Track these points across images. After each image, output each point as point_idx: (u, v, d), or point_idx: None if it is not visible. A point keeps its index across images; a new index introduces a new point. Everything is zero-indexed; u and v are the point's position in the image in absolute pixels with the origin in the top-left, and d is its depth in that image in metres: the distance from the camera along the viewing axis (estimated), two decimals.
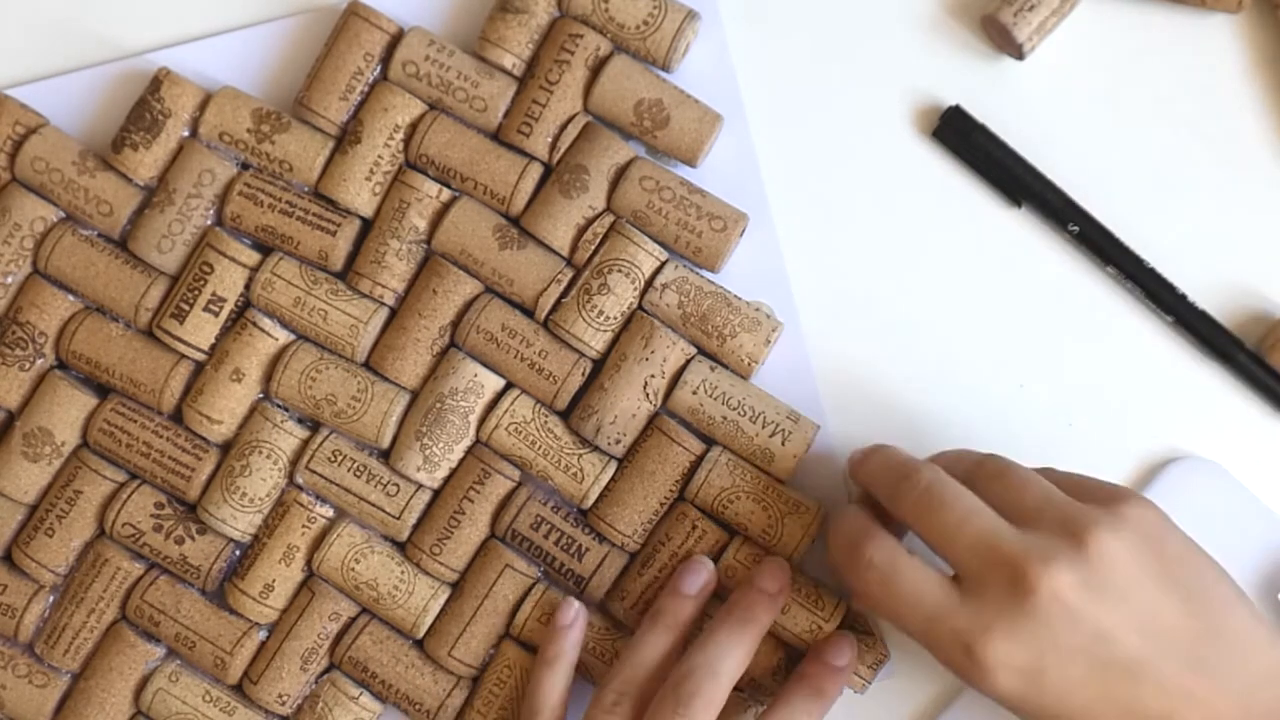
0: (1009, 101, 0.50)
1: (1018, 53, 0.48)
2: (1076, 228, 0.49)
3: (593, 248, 0.48)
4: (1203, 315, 0.49)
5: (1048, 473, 0.44)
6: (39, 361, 0.50)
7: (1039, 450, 0.49)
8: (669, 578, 0.47)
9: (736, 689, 0.47)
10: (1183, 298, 0.49)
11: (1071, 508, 0.41)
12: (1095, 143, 0.50)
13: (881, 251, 0.50)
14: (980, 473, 0.43)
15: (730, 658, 0.44)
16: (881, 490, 0.44)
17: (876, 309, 0.50)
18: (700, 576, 0.47)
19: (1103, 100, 0.50)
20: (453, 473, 0.49)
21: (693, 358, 0.48)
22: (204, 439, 0.49)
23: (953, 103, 0.50)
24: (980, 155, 0.49)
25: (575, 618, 0.47)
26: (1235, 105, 0.50)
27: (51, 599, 0.50)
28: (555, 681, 0.46)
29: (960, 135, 0.49)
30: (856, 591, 0.44)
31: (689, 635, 0.47)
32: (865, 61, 0.50)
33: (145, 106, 0.49)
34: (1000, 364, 0.50)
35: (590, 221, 0.48)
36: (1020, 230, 0.50)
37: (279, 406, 0.49)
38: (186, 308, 0.49)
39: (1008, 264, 0.50)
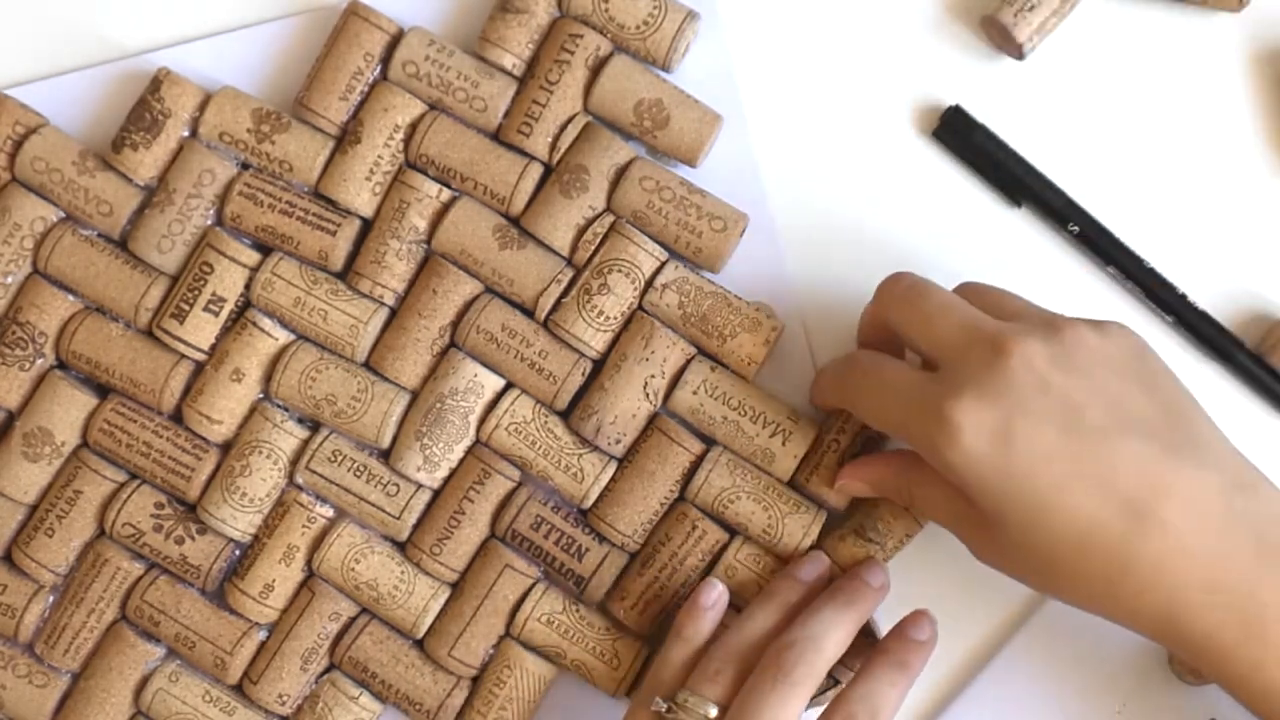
0: (1009, 101, 0.50)
1: (1018, 53, 0.48)
2: (1076, 228, 0.49)
3: (593, 248, 0.48)
4: (1203, 315, 0.49)
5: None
6: (39, 361, 0.50)
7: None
8: (671, 577, 0.48)
9: None
10: (1183, 298, 0.49)
11: (1053, 313, 0.43)
12: (1095, 143, 0.50)
13: (881, 251, 0.50)
14: (960, 291, 0.45)
15: (833, 633, 0.44)
16: (867, 315, 0.46)
17: None
18: (817, 567, 0.47)
19: (1103, 100, 0.50)
20: (453, 473, 0.49)
21: (693, 358, 0.48)
22: (204, 439, 0.49)
23: (953, 103, 0.50)
24: (980, 155, 0.49)
25: (717, 600, 0.47)
26: (1235, 105, 0.50)
27: (51, 599, 0.50)
28: (679, 659, 0.46)
29: (960, 135, 0.49)
30: (845, 391, 0.45)
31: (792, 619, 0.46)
32: (865, 61, 0.50)
33: (145, 106, 0.49)
34: None
35: (590, 221, 0.48)
36: (1020, 230, 0.50)
37: (279, 406, 0.49)
38: (186, 308, 0.49)
39: (1008, 264, 0.50)
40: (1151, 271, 0.49)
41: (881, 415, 0.44)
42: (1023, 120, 0.50)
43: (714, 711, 0.43)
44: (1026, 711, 0.49)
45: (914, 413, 0.42)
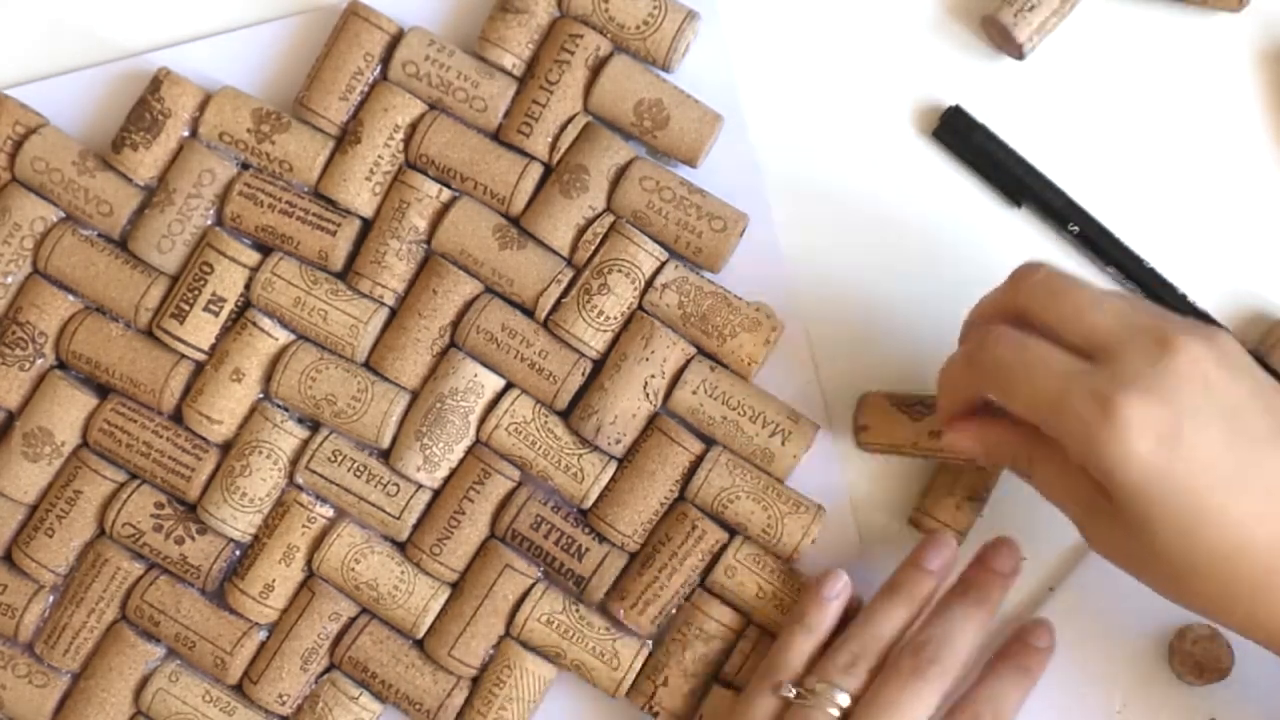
0: (1009, 101, 0.50)
1: (1018, 53, 0.48)
2: (1076, 228, 0.49)
3: (593, 248, 0.48)
4: (1203, 315, 0.49)
5: None
6: (39, 361, 0.50)
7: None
8: (671, 577, 0.47)
9: None
10: (1183, 298, 0.49)
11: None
12: (1095, 143, 0.50)
13: (881, 251, 0.50)
14: None
15: (966, 631, 0.44)
16: (991, 304, 0.44)
17: (877, 309, 0.50)
18: (944, 553, 0.46)
19: (1103, 100, 0.50)
20: (453, 473, 0.49)
21: (693, 358, 0.48)
22: (204, 439, 0.49)
23: (953, 103, 0.50)
24: (980, 155, 0.49)
25: (841, 590, 0.46)
26: (1235, 105, 0.50)
27: (51, 599, 0.50)
28: (805, 647, 0.45)
29: (960, 135, 0.50)
30: (984, 367, 0.42)
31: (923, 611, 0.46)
32: (865, 61, 0.50)
33: (145, 106, 0.49)
34: None
35: (590, 221, 0.48)
36: (1020, 230, 0.50)
37: (279, 406, 0.49)
38: (186, 308, 0.49)
39: (1008, 264, 0.50)
40: (1151, 271, 0.49)
41: (1030, 394, 0.40)
42: (1023, 120, 0.50)
43: (847, 701, 0.43)
44: (1026, 711, 0.49)
45: (1074, 398, 0.39)
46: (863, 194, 0.50)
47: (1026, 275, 0.42)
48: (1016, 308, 0.42)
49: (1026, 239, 0.50)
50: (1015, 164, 0.49)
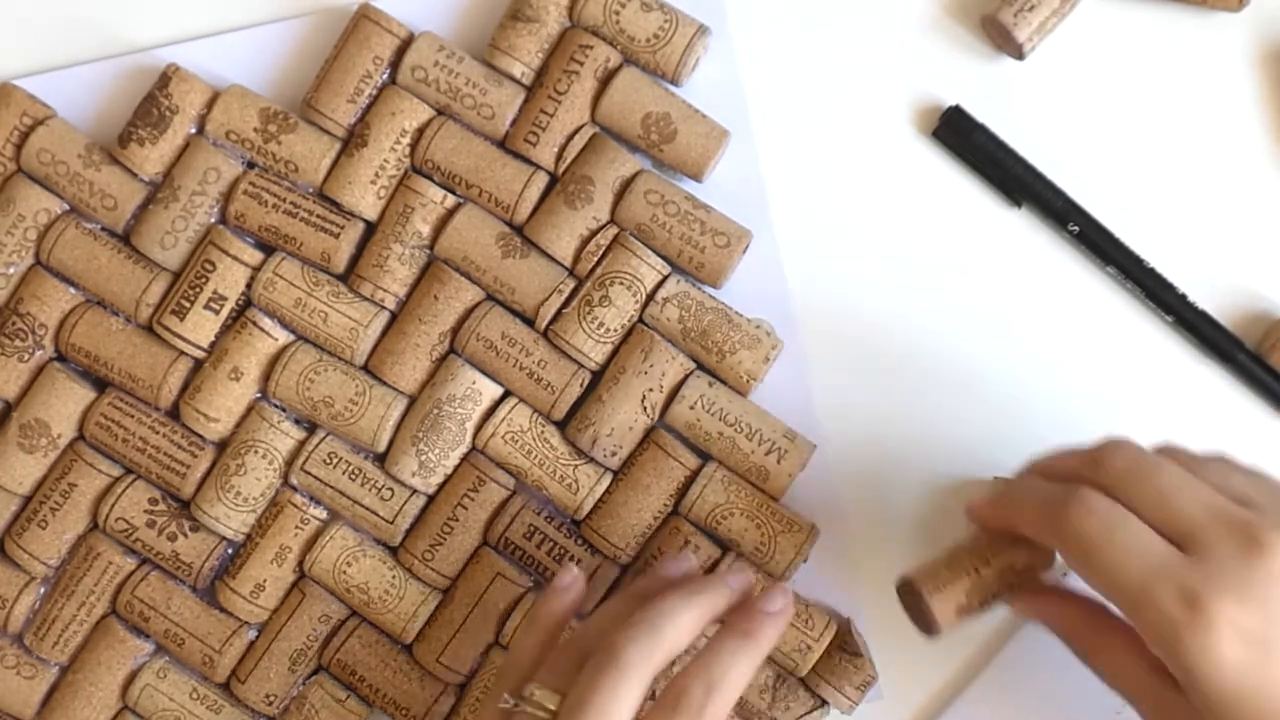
0: (1009, 101, 0.50)
1: (1018, 53, 0.48)
2: (1076, 228, 0.49)
3: (595, 259, 0.48)
4: (1203, 315, 0.49)
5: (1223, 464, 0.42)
6: (38, 353, 0.50)
7: (1039, 452, 0.49)
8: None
9: None
10: (1183, 298, 0.49)
11: None
12: (1095, 143, 0.50)
13: (883, 258, 0.50)
14: (1168, 457, 0.41)
15: (674, 619, 0.41)
16: (1072, 468, 0.41)
17: (876, 320, 0.50)
18: (682, 565, 0.45)
19: (1103, 100, 0.50)
20: (447, 479, 0.49)
21: (691, 373, 0.48)
22: (200, 436, 0.49)
23: (953, 103, 0.50)
24: (980, 155, 0.49)
25: (573, 583, 0.44)
26: (1235, 105, 0.50)
27: (42, 591, 0.50)
28: (534, 641, 0.43)
29: (960, 135, 0.49)
30: (1065, 532, 0.39)
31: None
32: (866, 62, 0.50)
33: (153, 102, 0.49)
34: (1000, 365, 0.50)
35: (594, 233, 0.48)
36: (1020, 230, 0.50)
37: (276, 406, 0.49)
38: (187, 305, 0.49)
39: (1008, 264, 0.50)
40: (1151, 271, 0.49)
41: (1115, 577, 0.38)
42: (1023, 120, 0.50)
43: (554, 703, 0.40)
44: (1026, 712, 0.49)
45: (1161, 591, 0.37)
46: (864, 198, 0.50)
47: (1110, 455, 0.40)
48: (1097, 484, 0.40)
49: (1026, 239, 0.50)
50: (1015, 164, 0.49)
